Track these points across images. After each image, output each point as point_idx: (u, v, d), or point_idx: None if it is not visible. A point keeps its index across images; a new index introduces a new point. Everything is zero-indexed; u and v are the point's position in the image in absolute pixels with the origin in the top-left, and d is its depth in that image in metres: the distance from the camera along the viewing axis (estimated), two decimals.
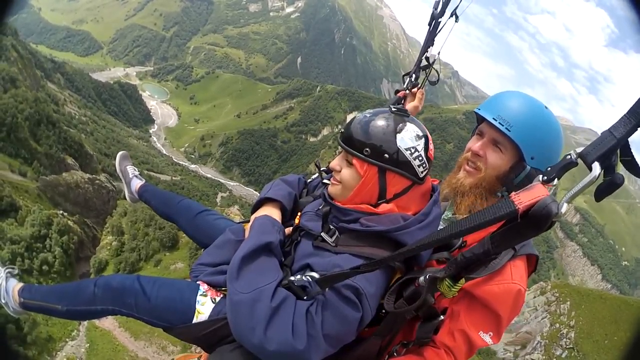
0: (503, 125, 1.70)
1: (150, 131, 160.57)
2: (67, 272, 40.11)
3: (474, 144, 1.84)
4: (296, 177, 2.14)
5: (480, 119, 1.86)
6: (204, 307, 1.79)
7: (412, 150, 1.57)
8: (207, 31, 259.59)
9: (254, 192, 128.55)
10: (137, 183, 3.02)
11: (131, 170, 3.13)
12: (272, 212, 1.84)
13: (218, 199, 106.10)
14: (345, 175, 1.64)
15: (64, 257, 39.20)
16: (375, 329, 1.65)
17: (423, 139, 1.61)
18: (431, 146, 1.66)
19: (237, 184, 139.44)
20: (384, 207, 1.61)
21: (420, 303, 1.41)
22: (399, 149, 1.56)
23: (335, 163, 1.70)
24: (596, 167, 0.93)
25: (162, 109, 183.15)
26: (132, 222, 48.47)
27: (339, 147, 1.68)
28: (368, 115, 1.64)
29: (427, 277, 1.38)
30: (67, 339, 27.40)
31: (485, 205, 1.76)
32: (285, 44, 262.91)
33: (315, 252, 1.64)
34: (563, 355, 19.54)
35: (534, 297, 23.85)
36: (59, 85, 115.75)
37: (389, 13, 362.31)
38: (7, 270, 2.33)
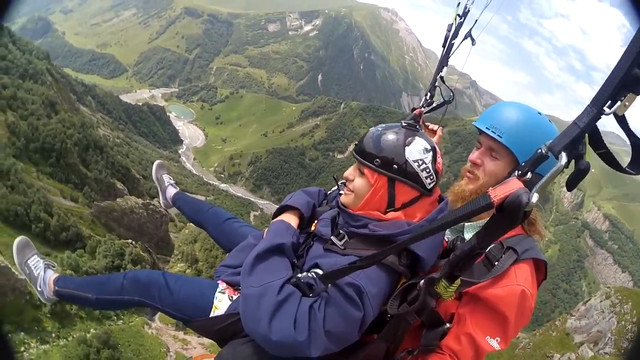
0: (495, 133, 1.79)
1: (179, 152, 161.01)
2: None
3: (473, 154, 1.94)
4: (317, 189, 2.24)
5: (480, 131, 1.94)
6: (221, 304, 1.93)
7: (420, 162, 1.65)
8: (228, 52, 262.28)
9: None
10: (172, 191, 3.25)
11: (167, 178, 3.33)
12: (289, 218, 1.95)
13: (251, 218, 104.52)
14: (358, 184, 1.74)
15: None
16: (380, 334, 1.70)
17: (431, 152, 1.70)
18: (439, 159, 1.74)
19: (268, 202, 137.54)
20: (391, 215, 1.70)
21: (419, 305, 1.43)
22: (407, 160, 1.64)
23: (348, 173, 1.80)
24: (562, 157, 0.96)
25: (189, 130, 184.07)
26: (207, 249, 47.12)
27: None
28: (380, 129, 1.74)
29: (425, 278, 1.41)
30: None
31: None
32: (305, 62, 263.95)
33: (325, 254, 1.73)
34: (630, 347, 23.09)
35: (601, 302, 27.65)
36: (90, 108, 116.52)
37: (404, 26, 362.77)
38: (45, 262, 2.52)
